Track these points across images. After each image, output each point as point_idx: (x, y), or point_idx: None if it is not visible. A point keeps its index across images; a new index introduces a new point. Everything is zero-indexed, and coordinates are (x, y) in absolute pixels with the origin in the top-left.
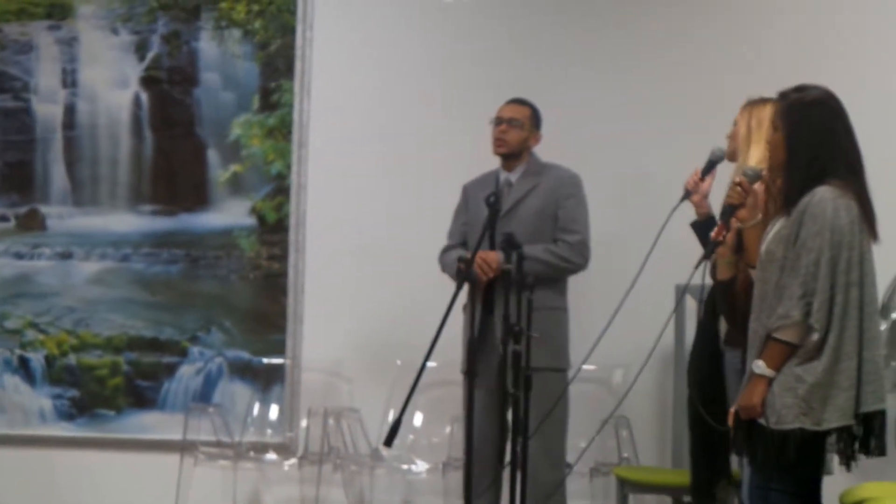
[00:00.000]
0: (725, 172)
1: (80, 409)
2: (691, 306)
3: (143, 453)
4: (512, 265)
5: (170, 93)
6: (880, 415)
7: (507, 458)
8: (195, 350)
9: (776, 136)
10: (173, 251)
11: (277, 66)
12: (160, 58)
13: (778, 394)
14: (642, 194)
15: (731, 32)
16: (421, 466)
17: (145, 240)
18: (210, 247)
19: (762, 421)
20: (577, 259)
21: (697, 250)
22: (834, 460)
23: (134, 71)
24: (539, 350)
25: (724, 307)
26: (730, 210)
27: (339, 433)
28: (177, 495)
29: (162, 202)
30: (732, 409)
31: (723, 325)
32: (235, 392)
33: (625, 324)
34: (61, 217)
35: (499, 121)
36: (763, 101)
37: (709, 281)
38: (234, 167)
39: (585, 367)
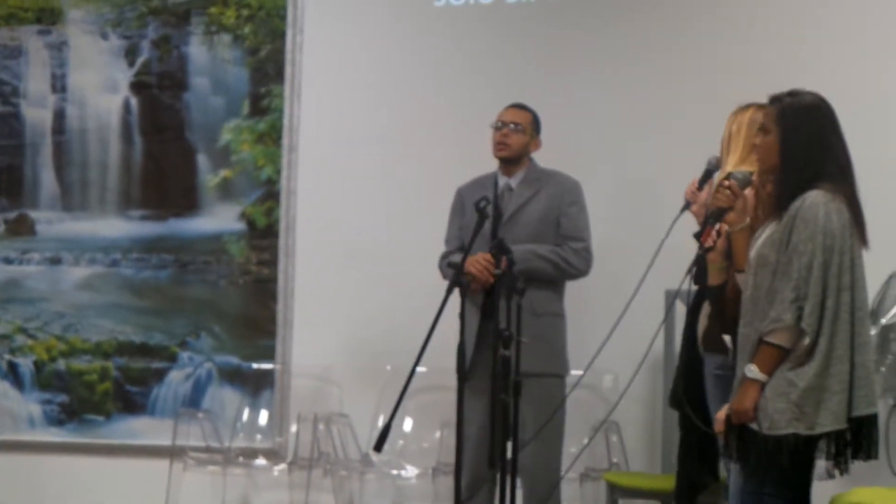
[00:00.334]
0: None
1: (69, 415)
2: (682, 312)
3: (133, 459)
4: (501, 270)
5: (159, 98)
6: (871, 419)
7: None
8: (185, 355)
9: (768, 139)
10: (163, 256)
11: (267, 71)
12: (150, 63)
13: (770, 399)
14: (637, 200)
15: (730, 39)
16: (411, 472)
17: (135, 245)
18: (200, 252)
19: (754, 426)
20: (581, 265)
21: (688, 256)
22: (829, 464)
23: (124, 76)
24: (537, 356)
25: (716, 312)
26: (717, 213)
27: (328, 438)
28: (166, 501)
29: (151, 207)
30: (723, 414)
31: (700, 329)
32: (225, 397)
33: (615, 329)
34: (50, 222)
35: (501, 124)
36: (747, 106)
37: (695, 287)
38: (224, 172)
39: (575, 372)
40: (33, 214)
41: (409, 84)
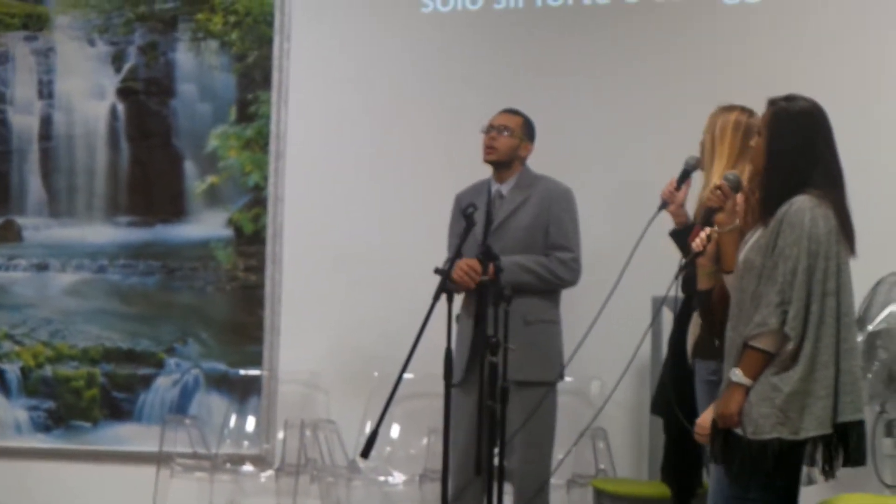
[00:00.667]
0: (700, 180)
1: (55, 421)
2: (668, 318)
3: (120, 465)
4: (487, 277)
5: (146, 104)
6: (858, 425)
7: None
8: (172, 362)
9: (758, 141)
10: (150, 262)
11: (254, 78)
12: (137, 69)
13: (755, 403)
14: (629, 205)
15: (721, 44)
16: (398, 478)
17: (122, 251)
18: (187, 258)
19: (739, 431)
20: (568, 276)
21: (675, 262)
22: (814, 470)
23: (111, 82)
24: (527, 363)
25: (705, 316)
26: (708, 213)
27: (316, 445)
28: None
29: (138, 213)
30: (709, 417)
31: (691, 337)
32: (212, 404)
33: (602, 336)
34: (37, 228)
35: (489, 128)
36: (730, 108)
37: (682, 294)
38: (211, 178)
39: (567, 379)
40: (20, 220)
41: (397, 90)
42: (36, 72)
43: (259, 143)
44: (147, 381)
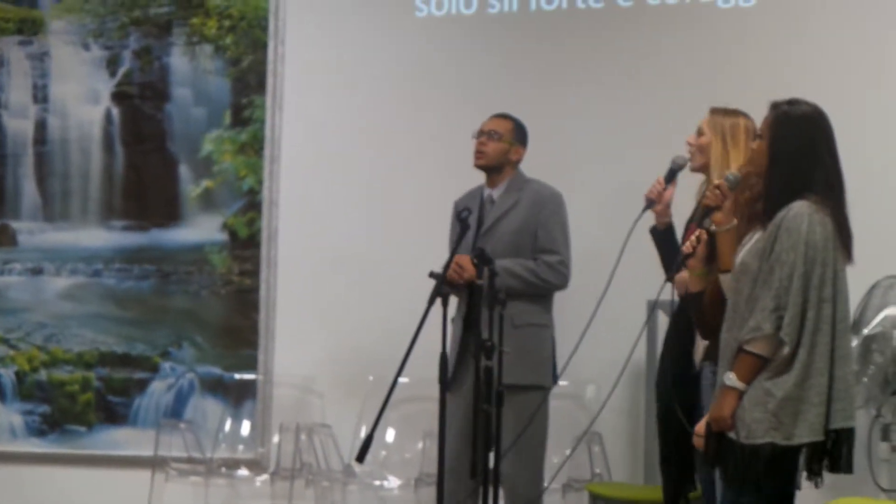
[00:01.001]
0: (687, 181)
1: (50, 425)
2: (663, 322)
3: (115, 469)
4: (483, 281)
5: (141, 108)
6: (848, 432)
7: (484, 473)
8: (166, 366)
9: (760, 144)
10: (144, 267)
11: (249, 82)
12: (131, 73)
13: (748, 408)
14: (624, 209)
15: (715, 47)
16: (393, 482)
17: (116, 255)
18: (181, 262)
19: (732, 435)
20: (555, 280)
21: None
22: (802, 475)
23: (105, 86)
24: (520, 367)
25: (696, 318)
26: (707, 212)
27: (311, 449)
28: None
29: (133, 217)
30: (704, 421)
31: (699, 341)
32: (207, 408)
33: (597, 339)
34: (32, 232)
35: (479, 133)
36: (735, 112)
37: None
38: (206, 183)
39: (562, 383)
40: (15, 225)
41: (392, 95)
42: (31, 76)
43: (254, 147)
44: (142, 386)
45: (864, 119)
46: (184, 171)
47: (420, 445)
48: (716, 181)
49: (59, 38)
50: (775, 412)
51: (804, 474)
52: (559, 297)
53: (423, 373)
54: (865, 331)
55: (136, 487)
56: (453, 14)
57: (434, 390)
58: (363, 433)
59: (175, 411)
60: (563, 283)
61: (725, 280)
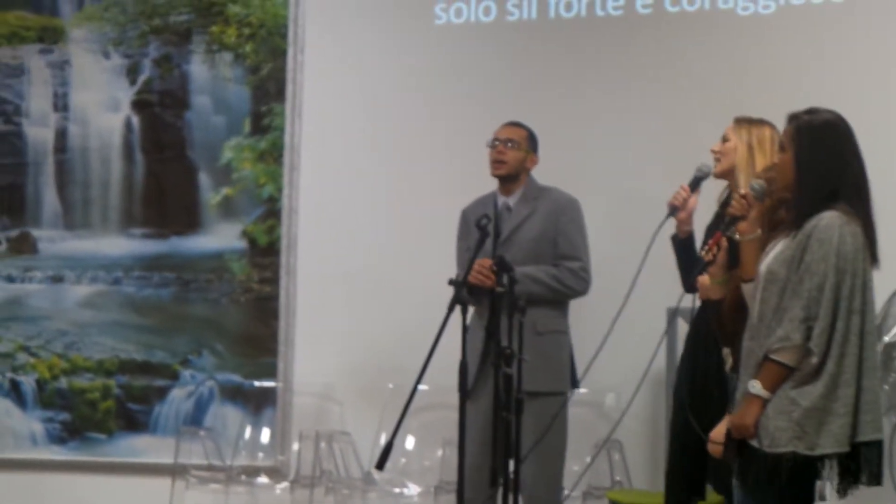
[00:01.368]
0: (710, 189)
1: (71, 433)
2: (683, 329)
3: (135, 477)
4: (504, 287)
5: (161, 116)
6: (877, 445)
7: (501, 481)
8: (186, 373)
9: (785, 157)
10: (164, 274)
11: (268, 90)
12: (151, 81)
13: (772, 416)
14: (638, 216)
15: (735, 55)
16: (413, 490)
17: (136, 263)
18: (201, 270)
19: (754, 443)
20: (578, 286)
21: None
22: (826, 486)
23: (125, 94)
24: (539, 374)
25: (716, 326)
26: (732, 221)
27: (330, 456)
28: None
29: (153, 225)
30: (723, 429)
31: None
32: (227, 415)
33: (617, 347)
34: (52, 240)
35: (496, 142)
36: (760, 121)
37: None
38: (226, 190)
39: (581, 390)
40: (35, 233)
41: (411, 103)
42: (51, 84)
43: (273, 155)
44: (162, 393)
45: (884, 125)
46: (203, 178)
47: (440, 453)
48: (742, 190)
49: (80, 46)
50: (800, 421)
51: (826, 485)
52: (574, 305)
53: (443, 380)
54: (886, 338)
55: (156, 495)
56: (472, 22)
57: (453, 398)
58: (383, 441)
59: (195, 419)
60: (585, 289)
61: (747, 289)
